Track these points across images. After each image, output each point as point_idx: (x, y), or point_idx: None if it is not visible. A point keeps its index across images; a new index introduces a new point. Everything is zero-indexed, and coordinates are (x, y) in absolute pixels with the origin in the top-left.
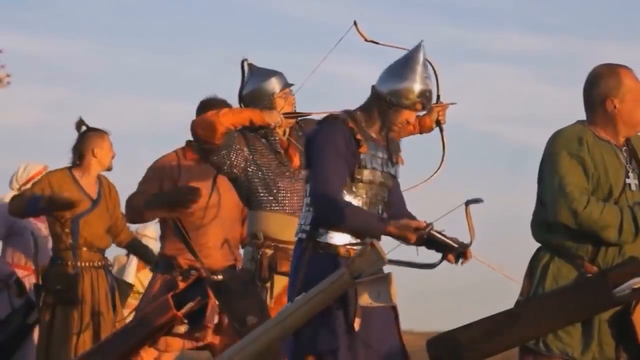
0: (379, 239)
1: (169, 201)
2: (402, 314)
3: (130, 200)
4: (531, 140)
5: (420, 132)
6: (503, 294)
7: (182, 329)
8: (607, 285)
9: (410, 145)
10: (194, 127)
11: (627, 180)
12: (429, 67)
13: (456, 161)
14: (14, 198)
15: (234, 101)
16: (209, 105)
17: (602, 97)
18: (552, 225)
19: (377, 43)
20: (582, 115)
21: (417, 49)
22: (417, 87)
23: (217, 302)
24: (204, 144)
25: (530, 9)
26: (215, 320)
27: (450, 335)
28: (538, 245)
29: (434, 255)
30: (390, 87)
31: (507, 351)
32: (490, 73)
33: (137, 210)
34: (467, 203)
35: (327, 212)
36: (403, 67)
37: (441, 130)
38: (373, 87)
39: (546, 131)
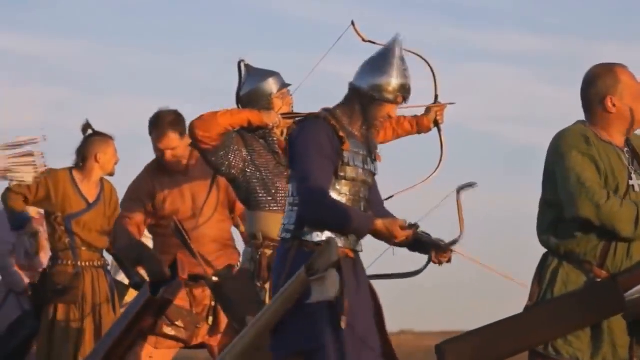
0: (364, 236)
1: (147, 270)
2: (402, 314)
3: (115, 228)
4: (531, 140)
5: (418, 132)
6: (503, 293)
7: (168, 329)
8: (618, 289)
9: (409, 145)
10: (192, 128)
11: (631, 182)
12: (406, 60)
13: (456, 161)
14: (8, 190)
15: (232, 102)
16: (160, 118)
17: (600, 96)
18: (560, 230)
19: (374, 43)
20: (582, 115)
21: (393, 42)
22: (397, 80)
23: (211, 302)
24: (201, 144)
25: (530, 9)
26: (204, 323)
27: (459, 341)
28: (539, 244)
29: (416, 260)
30: (370, 82)
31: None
32: (490, 73)
33: (118, 248)
34: (459, 189)
35: (315, 211)
36: (381, 61)
37: (439, 131)
38: (351, 84)
39: (546, 131)
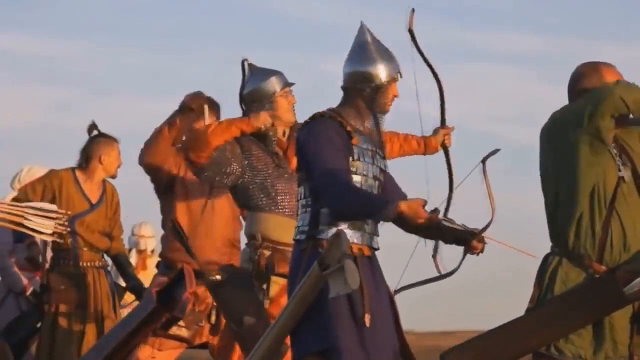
0: (389, 219)
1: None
2: (402, 314)
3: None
4: (531, 140)
5: (424, 153)
6: (505, 293)
7: (173, 329)
8: (617, 284)
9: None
10: (185, 148)
11: (620, 173)
12: (379, 41)
13: (456, 161)
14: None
15: (234, 101)
16: (193, 102)
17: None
18: (562, 223)
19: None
20: None
21: (362, 31)
22: (386, 62)
23: (213, 301)
24: (195, 164)
25: (530, 9)
26: (206, 322)
27: (465, 347)
28: (539, 244)
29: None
30: (363, 75)
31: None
32: (490, 73)
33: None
34: (484, 160)
35: (342, 202)
36: (362, 53)
37: (447, 154)
38: (344, 86)
39: None
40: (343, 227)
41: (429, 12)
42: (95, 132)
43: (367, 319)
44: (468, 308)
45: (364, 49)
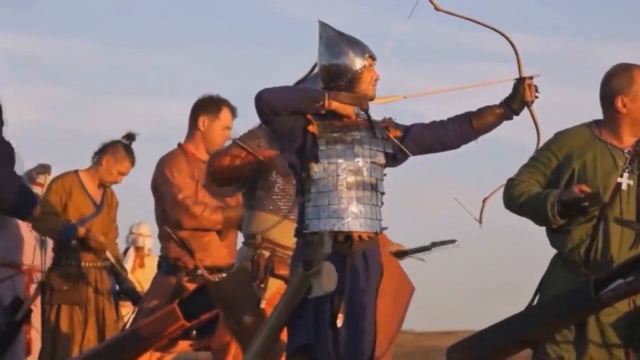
0: (323, 105)
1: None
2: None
3: (185, 209)
4: (531, 140)
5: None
6: (503, 293)
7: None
8: (588, 289)
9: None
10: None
11: (619, 180)
12: (343, 33)
13: (455, 161)
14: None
15: (235, 100)
16: (209, 102)
17: (612, 94)
18: (558, 229)
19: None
20: (583, 115)
21: (322, 28)
22: (353, 49)
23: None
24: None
25: (530, 9)
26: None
27: (470, 342)
28: (539, 246)
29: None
30: (337, 71)
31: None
32: (490, 73)
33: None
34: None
35: (268, 95)
36: (329, 50)
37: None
38: (325, 88)
39: (546, 131)
40: (329, 218)
41: (428, 12)
42: (123, 140)
43: (339, 319)
44: (468, 308)
45: (331, 44)
